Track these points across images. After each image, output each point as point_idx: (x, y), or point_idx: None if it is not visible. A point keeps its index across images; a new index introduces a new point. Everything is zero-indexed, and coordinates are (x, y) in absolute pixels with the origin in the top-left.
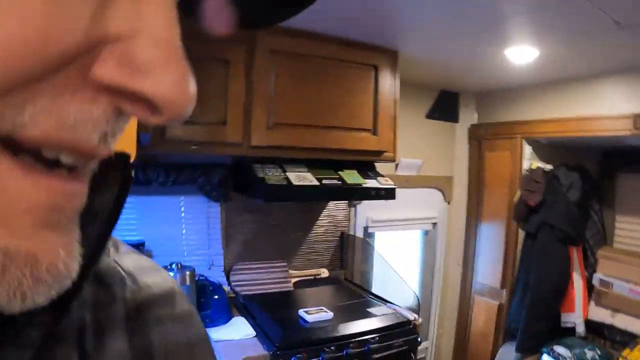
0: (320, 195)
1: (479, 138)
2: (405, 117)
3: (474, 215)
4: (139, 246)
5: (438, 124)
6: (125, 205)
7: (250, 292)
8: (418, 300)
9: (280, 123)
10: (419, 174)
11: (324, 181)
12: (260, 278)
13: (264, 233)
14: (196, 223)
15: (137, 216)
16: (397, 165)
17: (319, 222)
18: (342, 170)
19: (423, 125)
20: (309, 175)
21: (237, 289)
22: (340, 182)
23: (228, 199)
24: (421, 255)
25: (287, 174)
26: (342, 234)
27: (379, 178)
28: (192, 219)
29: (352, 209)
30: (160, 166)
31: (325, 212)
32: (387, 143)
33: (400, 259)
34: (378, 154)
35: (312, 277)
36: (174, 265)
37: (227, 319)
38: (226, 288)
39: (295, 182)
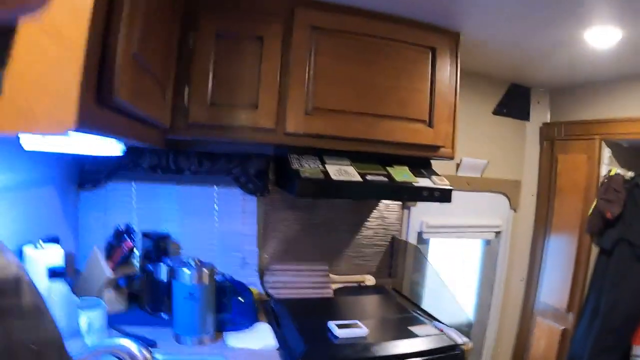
0: (363, 193)
1: (551, 138)
2: (469, 112)
3: (543, 225)
4: (163, 238)
5: (506, 122)
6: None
7: (284, 295)
8: (471, 322)
9: (320, 108)
10: (483, 176)
11: (369, 177)
12: (297, 281)
13: (305, 232)
14: (230, 217)
15: (164, 206)
16: (458, 166)
17: (367, 224)
18: (391, 166)
19: (489, 122)
20: (351, 170)
21: (271, 291)
22: (387, 179)
23: (266, 193)
24: (480, 267)
25: (326, 166)
26: (393, 238)
27: (433, 177)
28: (226, 212)
29: (406, 211)
30: (194, 154)
31: (375, 213)
32: (444, 137)
33: (456, 269)
34: (433, 149)
35: (357, 285)
36: (191, 261)
37: (250, 323)
38: (255, 290)
39: (335, 177)
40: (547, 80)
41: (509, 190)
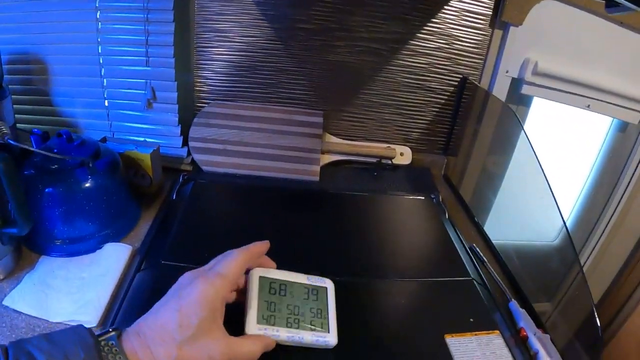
0: None
1: None
2: None
3: None
4: None
5: None
6: None
7: (220, 169)
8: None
9: None
10: None
11: None
12: (255, 142)
13: (287, 42)
14: (124, 10)
15: None
16: None
17: (416, 44)
18: None
19: None
20: None
21: (199, 157)
22: None
23: None
24: (598, 163)
25: None
26: (465, 80)
27: None
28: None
29: (499, 32)
30: None
31: (436, 23)
32: None
33: (560, 159)
34: None
35: (376, 161)
36: None
37: (94, 243)
38: (144, 157)
39: None
40: None
41: None
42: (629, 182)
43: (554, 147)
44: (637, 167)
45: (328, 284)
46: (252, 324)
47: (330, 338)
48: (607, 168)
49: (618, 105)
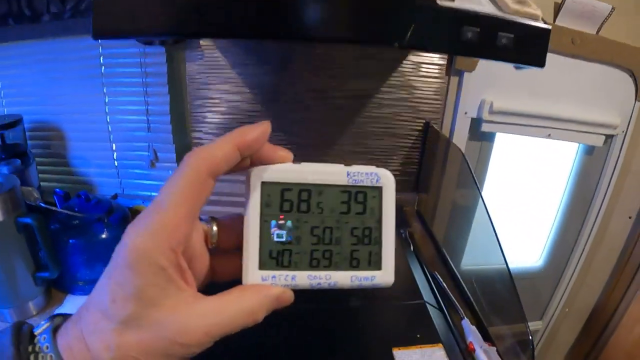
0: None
1: None
2: None
3: None
4: (10, 126)
5: None
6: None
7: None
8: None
9: None
10: (602, 33)
11: None
12: (244, 192)
13: (266, 106)
14: (127, 85)
15: (35, 77)
16: (558, 8)
17: (382, 97)
18: None
19: None
20: None
21: None
22: None
23: (181, 38)
24: (570, 185)
25: None
26: (427, 125)
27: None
28: (119, 77)
29: (454, 78)
30: None
31: (396, 77)
32: None
33: (532, 185)
34: None
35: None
36: None
37: None
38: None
39: None
40: None
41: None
42: (602, 201)
43: (525, 175)
44: (608, 185)
45: (384, 181)
46: (252, 269)
47: (383, 277)
48: (579, 189)
49: (580, 131)
